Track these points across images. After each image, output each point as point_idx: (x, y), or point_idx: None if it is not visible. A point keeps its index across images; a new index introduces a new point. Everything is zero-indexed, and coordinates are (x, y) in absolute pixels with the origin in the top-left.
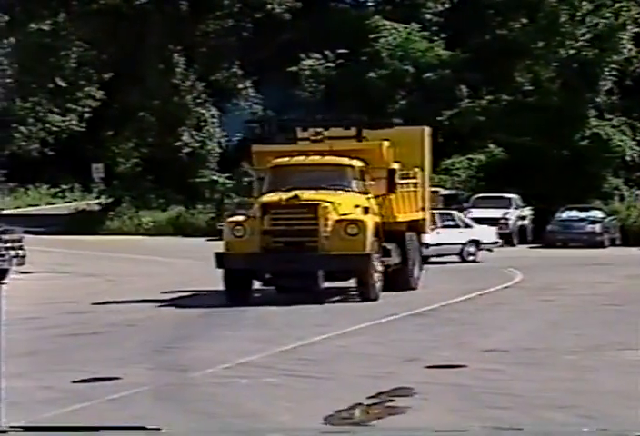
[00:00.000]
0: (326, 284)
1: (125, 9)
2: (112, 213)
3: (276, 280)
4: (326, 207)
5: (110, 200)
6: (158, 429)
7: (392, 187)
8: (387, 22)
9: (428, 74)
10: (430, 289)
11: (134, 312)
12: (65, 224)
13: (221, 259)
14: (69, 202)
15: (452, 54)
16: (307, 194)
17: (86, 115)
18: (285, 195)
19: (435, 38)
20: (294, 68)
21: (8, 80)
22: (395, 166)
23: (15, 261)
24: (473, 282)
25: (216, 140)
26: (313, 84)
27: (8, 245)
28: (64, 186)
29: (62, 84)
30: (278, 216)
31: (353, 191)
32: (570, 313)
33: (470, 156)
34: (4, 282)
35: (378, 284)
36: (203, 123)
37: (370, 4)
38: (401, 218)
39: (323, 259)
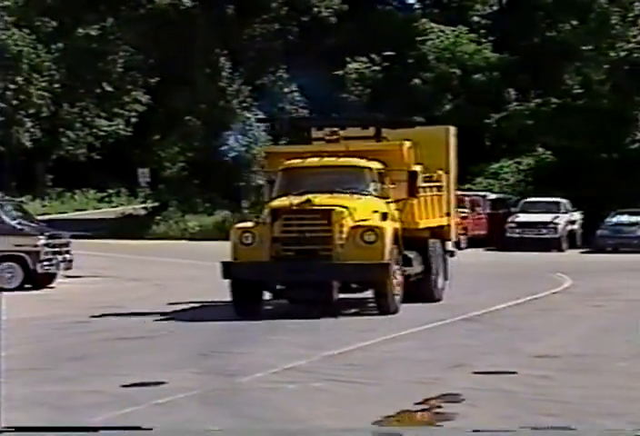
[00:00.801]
0: (342, 296)
1: (171, 13)
2: (158, 217)
3: (287, 291)
4: (341, 212)
5: (156, 204)
6: (150, 429)
7: (413, 191)
8: (434, 24)
9: (476, 77)
10: (479, 294)
11: (179, 316)
12: (111, 229)
13: (228, 269)
14: (115, 206)
15: (500, 56)
16: (321, 199)
17: (133, 120)
18: (296, 200)
19: (483, 40)
20: (340, 72)
21: (56, 85)
22: (417, 168)
23: (62, 265)
24: (522, 287)
25: (262, 144)
26: (359, 88)
27: (56, 250)
28: (110, 191)
29: (109, 88)
30: (289, 222)
31: (370, 195)
32: (621, 319)
33: (518, 160)
34: (51, 286)
35: (398, 296)
36: (248, 127)
37: (417, 6)
38: (423, 224)
39: (337, 268)
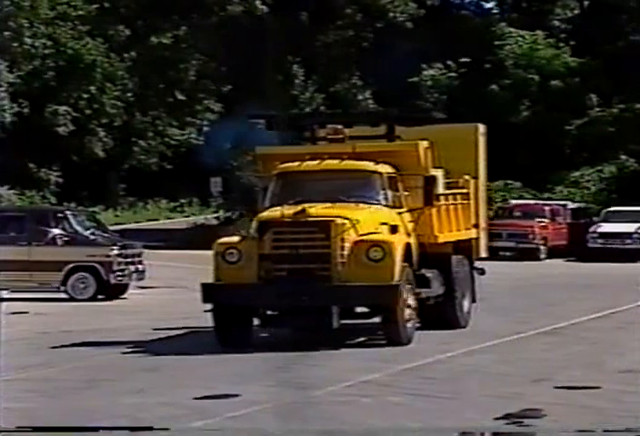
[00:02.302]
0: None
1: (244, 21)
2: (230, 227)
3: (279, 317)
4: (343, 225)
5: (228, 214)
6: (150, 428)
7: (430, 199)
8: (513, 29)
9: (554, 83)
10: (558, 306)
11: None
12: (183, 239)
13: (209, 291)
14: (188, 216)
15: (580, 61)
16: (318, 209)
17: (205, 128)
18: (289, 210)
19: (562, 45)
20: (415, 78)
21: (129, 94)
22: (436, 173)
23: (134, 276)
24: (604, 299)
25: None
26: (434, 95)
27: (128, 260)
28: (182, 200)
29: (181, 97)
30: (281, 237)
31: (379, 204)
32: None
33: (600, 168)
34: (124, 296)
35: (410, 323)
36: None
37: (495, 11)
38: (443, 238)
39: (337, 291)
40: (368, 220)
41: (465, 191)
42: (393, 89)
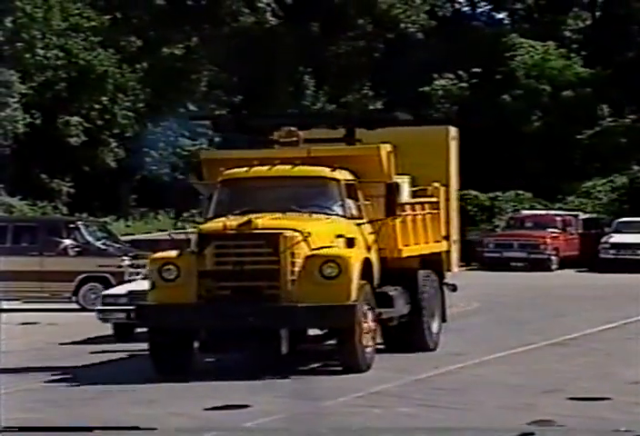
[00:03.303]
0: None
1: (256, 31)
2: None
3: (221, 342)
4: (293, 238)
5: None
6: (154, 429)
7: (393, 209)
8: (524, 40)
9: (566, 93)
10: (569, 317)
11: None
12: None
13: (142, 313)
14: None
15: (592, 71)
16: (266, 219)
17: (216, 139)
18: (234, 221)
19: (573, 55)
20: (426, 88)
21: (140, 104)
22: (400, 180)
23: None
24: (615, 310)
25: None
26: (445, 105)
27: (139, 270)
28: (193, 211)
29: (192, 107)
30: (224, 251)
31: (336, 214)
32: None
33: (612, 178)
34: None
35: (370, 348)
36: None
37: (506, 21)
38: (408, 251)
39: (287, 312)
40: (322, 232)
41: (433, 199)
42: (404, 99)
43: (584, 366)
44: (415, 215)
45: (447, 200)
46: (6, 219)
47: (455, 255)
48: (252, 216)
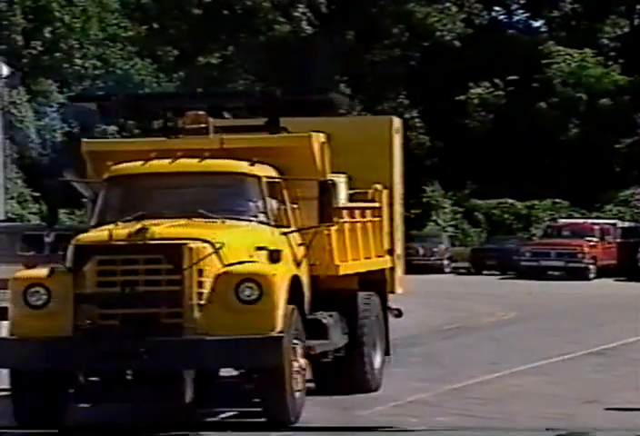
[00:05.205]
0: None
1: (291, 40)
2: None
3: (105, 387)
4: (200, 250)
5: None
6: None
7: (328, 213)
8: (561, 47)
9: (603, 101)
10: (607, 327)
11: None
12: None
13: (1, 350)
14: None
15: (630, 79)
16: (165, 227)
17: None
18: (123, 229)
19: (611, 63)
20: (462, 97)
21: None
22: (337, 178)
23: None
24: None
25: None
26: (481, 113)
27: None
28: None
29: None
30: (110, 268)
31: (255, 220)
32: None
33: None
34: None
35: (299, 393)
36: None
37: (543, 29)
38: (347, 268)
39: (192, 348)
40: (239, 243)
41: (375, 205)
42: (439, 108)
43: (622, 376)
44: (354, 223)
45: (391, 205)
46: None
47: (399, 273)
48: (147, 223)
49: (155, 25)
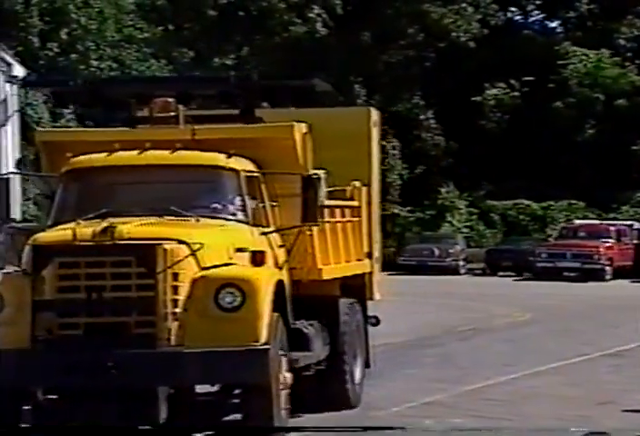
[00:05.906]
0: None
1: (306, 41)
2: None
3: (67, 407)
4: (175, 252)
5: None
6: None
7: (312, 212)
8: (577, 48)
9: (620, 101)
10: (623, 328)
11: None
12: None
13: None
14: None
15: None
16: (134, 226)
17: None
18: (87, 228)
19: (627, 64)
20: (477, 98)
21: None
22: (320, 173)
23: None
24: None
25: (397, 172)
26: (497, 114)
27: None
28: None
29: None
30: (72, 272)
31: (234, 218)
32: None
33: None
34: None
35: (285, 411)
36: (384, 155)
37: (559, 30)
38: (330, 273)
39: (166, 362)
40: (218, 244)
41: (354, 204)
42: (455, 108)
43: (638, 377)
44: (335, 224)
45: (369, 204)
46: None
47: (377, 278)
48: (113, 221)
49: (171, 27)
